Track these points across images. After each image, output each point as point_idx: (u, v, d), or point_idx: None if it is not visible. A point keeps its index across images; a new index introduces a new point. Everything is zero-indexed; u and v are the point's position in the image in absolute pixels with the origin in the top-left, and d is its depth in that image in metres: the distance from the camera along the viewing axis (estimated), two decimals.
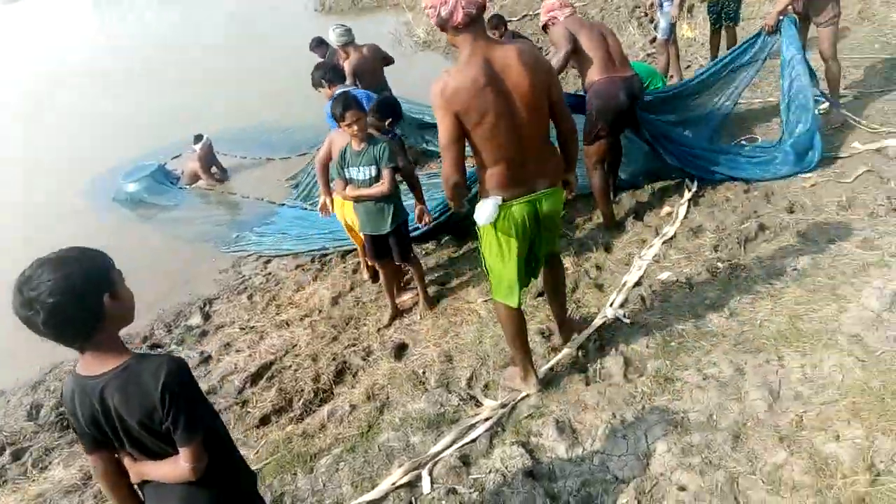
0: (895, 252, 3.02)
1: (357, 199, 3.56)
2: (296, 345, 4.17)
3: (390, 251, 3.76)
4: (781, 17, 4.32)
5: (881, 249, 3.09)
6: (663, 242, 3.87)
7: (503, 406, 2.73)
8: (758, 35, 4.56)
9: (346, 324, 4.21)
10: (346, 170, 3.53)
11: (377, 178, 3.48)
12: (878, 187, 3.83)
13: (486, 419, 2.67)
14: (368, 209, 3.59)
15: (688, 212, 4.23)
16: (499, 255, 2.53)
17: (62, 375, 4.81)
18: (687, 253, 3.70)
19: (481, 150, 2.36)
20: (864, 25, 6.25)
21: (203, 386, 4.04)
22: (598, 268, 3.83)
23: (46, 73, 16.21)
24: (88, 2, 35.66)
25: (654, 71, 5.67)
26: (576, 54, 3.94)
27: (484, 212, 2.39)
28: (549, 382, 2.80)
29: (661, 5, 5.67)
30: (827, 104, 4.66)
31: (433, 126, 6.30)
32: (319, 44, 7.05)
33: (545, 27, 4.20)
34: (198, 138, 7.70)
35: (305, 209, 6.42)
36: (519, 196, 2.43)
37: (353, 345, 3.88)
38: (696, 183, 4.48)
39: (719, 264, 3.39)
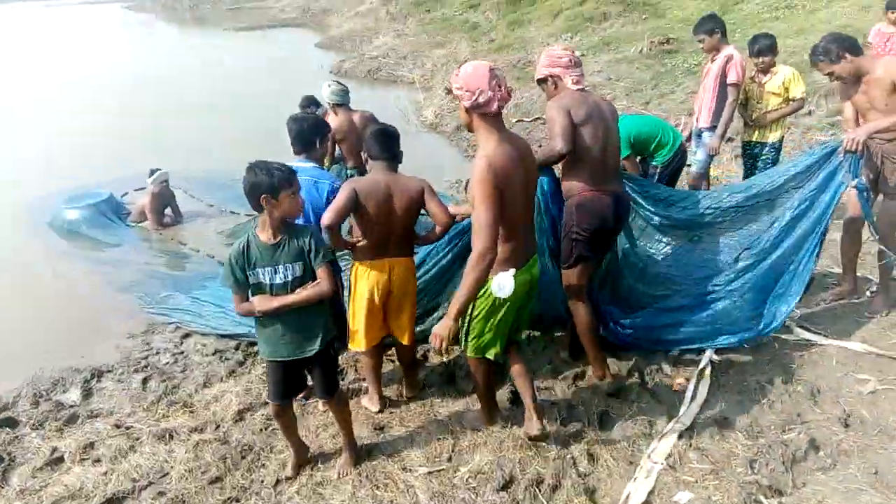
0: None
1: (277, 312, 2.58)
2: (166, 474, 3.06)
3: (303, 385, 2.76)
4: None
5: None
6: (679, 436, 2.90)
7: None
8: (829, 151, 3.35)
9: (242, 457, 3.11)
10: (251, 271, 2.55)
11: (302, 280, 2.56)
12: None
13: None
14: (289, 323, 2.60)
15: (709, 393, 3.30)
16: (493, 319, 2.72)
17: None
18: (712, 461, 2.72)
19: (502, 226, 2.51)
20: None
21: None
22: (591, 457, 2.83)
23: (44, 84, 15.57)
24: (117, 20, 36.09)
25: (663, 124, 4.81)
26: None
27: (506, 284, 2.52)
28: None
29: (698, 135, 4.99)
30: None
31: None
32: (309, 104, 6.27)
33: (541, 81, 3.29)
34: (152, 172, 6.78)
35: None
36: (522, 265, 2.67)
37: (237, 500, 2.78)
38: (711, 351, 3.58)
39: (763, 499, 2.41)
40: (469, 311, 2.71)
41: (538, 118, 9.44)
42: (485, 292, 2.62)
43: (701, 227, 3.69)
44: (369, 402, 3.46)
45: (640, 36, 11.47)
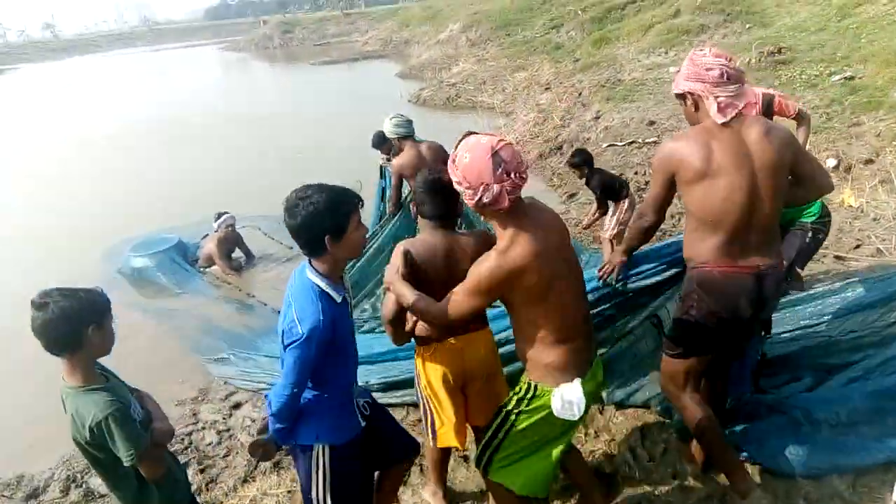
0: None
1: None
2: None
3: None
4: None
5: None
6: None
7: None
8: None
9: None
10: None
11: None
12: None
13: None
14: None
15: None
16: (541, 444, 2.15)
17: None
18: None
19: (544, 324, 2.03)
20: None
21: None
22: None
23: (115, 130, 16.25)
24: (213, 59, 38.19)
25: None
26: (688, 201, 2.30)
27: (574, 399, 1.97)
28: None
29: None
30: None
31: None
32: (383, 140, 5.76)
33: (681, 97, 2.34)
34: (219, 216, 6.45)
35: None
36: (585, 373, 2.09)
37: None
38: None
39: None
40: (504, 423, 2.16)
41: (633, 142, 8.49)
42: (534, 410, 2.09)
43: None
44: (430, 496, 2.89)
45: (747, 47, 10.26)
